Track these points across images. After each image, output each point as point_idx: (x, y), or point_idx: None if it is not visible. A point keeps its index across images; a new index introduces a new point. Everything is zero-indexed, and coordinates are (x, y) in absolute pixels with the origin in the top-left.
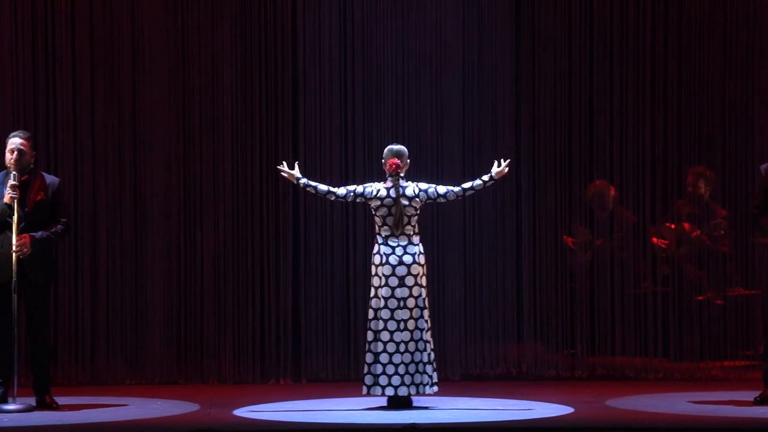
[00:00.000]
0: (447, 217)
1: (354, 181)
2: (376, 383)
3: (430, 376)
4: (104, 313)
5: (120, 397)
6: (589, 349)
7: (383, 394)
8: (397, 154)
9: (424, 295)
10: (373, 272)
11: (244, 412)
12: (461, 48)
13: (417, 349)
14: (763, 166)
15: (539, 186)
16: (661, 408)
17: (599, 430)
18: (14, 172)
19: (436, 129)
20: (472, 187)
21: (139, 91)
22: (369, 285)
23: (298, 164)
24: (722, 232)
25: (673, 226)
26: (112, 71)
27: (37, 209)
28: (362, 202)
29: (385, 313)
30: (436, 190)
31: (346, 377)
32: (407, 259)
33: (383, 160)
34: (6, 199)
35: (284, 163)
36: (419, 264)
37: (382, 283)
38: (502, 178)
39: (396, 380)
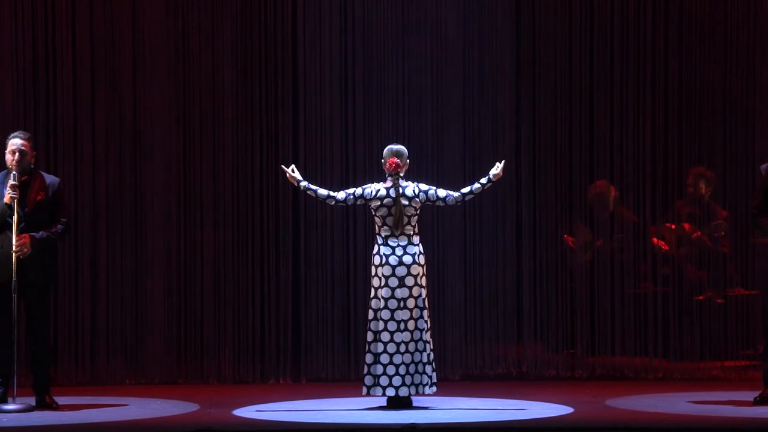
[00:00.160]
0: (447, 217)
1: (354, 180)
2: (376, 384)
3: (430, 377)
4: (104, 313)
5: (120, 397)
6: (589, 349)
7: (384, 395)
8: (397, 154)
9: (423, 295)
10: (373, 273)
11: (244, 412)
12: (461, 46)
13: (417, 350)
14: (764, 166)
15: (539, 186)
16: (661, 408)
17: (599, 430)
18: (14, 172)
19: (437, 128)
20: (471, 192)
21: (139, 91)
22: (369, 285)
23: (295, 167)
24: (723, 233)
25: (673, 227)
26: (113, 72)
27: (37, 209)
28: (362, 204)
29: (385, 314)
30: (436, 193)
31: (346, 377)
32: (407, 259)
33: (383, 160)
34: (6, 199)
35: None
36: (419, 264)
37: (382, 284)
38: (500, 179)
39: (396, 381)
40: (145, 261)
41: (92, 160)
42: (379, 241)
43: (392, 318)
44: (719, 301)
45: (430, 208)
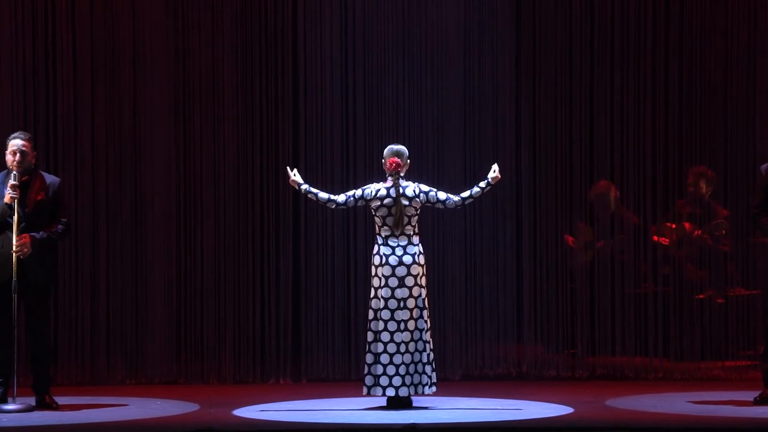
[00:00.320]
0: (447, 217)
1: (354, 180)
2: (376, 384)
3: (430, 377)
4: (104, 313)
5: (120, 397)
6: (589, 349)
7: (384, 395)
8: (397, 154)
9: (423, 295)
10: (373, 273)
11: (244, 412)
12: (462, 47)
13: (417, 350)
14: (764, 166)
15: (539, 186)
16: (661, 408)
17: (599, 430)
18: (15, 172)
19: (437, 128)
20: (471, 196)
21: (139, 91)
22: (369, 285)
23: (296, 170)
24: (723, 231)
25: (674, 226)
26: (113, 72)
27: (37, 209)
28: (363, 205)
29: (385, 314)
30: (436, 195)
31: (346, 377)
32: (407, 259)
33: (383, 160)
34: (6, 199)
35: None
36: (419, 264)
37: (382, 284)
38: (500, 181)
39: (396, 381)
40: (145, 261)
41: (92, 160)
42: (379, 241)
43: (392, 318)
44: (720, 301)
45: (430, 208)
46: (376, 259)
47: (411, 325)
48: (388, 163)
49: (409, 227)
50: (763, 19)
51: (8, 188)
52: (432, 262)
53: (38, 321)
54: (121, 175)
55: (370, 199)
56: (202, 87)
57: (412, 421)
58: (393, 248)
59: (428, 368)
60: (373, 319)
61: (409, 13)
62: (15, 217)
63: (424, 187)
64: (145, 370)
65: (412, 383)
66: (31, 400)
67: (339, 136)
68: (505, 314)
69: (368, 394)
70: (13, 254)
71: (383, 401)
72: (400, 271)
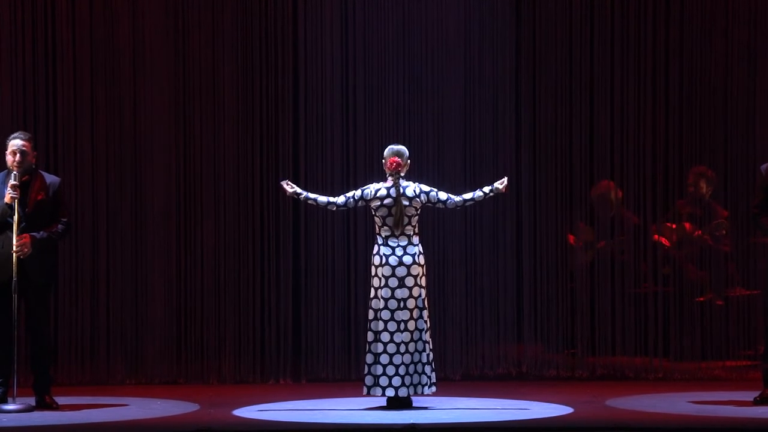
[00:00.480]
0: (447, 217)
1: (355, 180)
2: (376, 384)
3: (429, 377)
4: (104, 313)
5: (120, 397)
6: (589, 349)
7: (383, 395)
8: (398, 153)
9: (423, 295)
10: (373, 273)
11: (244, 412)
12: (462, 47)
13: (416, 350)
14: (764, 166)
15: (539, 186)
16: (661, 408)
17: (599, 430)
18: (15, 172)
19: (437, 128)
20: (472, 198)
21: (139, 91)
22: (369, 285)
23: (288, 181)
24: (724, 232)
25: (674, 226)
26: (113, 72)
27: (37, 209)
28: (363, 206)
29: (385, 314)
30: (437, 195)
31: (347, 377)
32: (407, 259)
33: (384, 160)
34: (6, 199)
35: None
36: (419, 264)
37: (382, 284)
38: (501, 194)
39: (396, 381)
40: (145, 261)
41: (92, 160)
42: (379, 241)
43: (392, 318)
44: (719, 303)
45: (431, 208)
46: (376, 260)
47: (411, 325)
48: (388, 163)
49: (409, 227)
50: (763, 19)
51: (8, 188)
52: (432, 263)
53: (38, 321)
54: (121, 175)
55: (370, 199)
56: (202, 87)
57: (411, 421)
58: (393, 248)
59: (428, 368)
60: (373, 319)
61: (409, 13)
62: (15, 217)
63: (425, 187)
64: (145, 370)
65: (411, 383)
66: (31, 400)
67: (339, 136)
68: (505, 314)
69: (368, 394)
70: (14, 254)
71: (383, 401)
72: (400, 271)
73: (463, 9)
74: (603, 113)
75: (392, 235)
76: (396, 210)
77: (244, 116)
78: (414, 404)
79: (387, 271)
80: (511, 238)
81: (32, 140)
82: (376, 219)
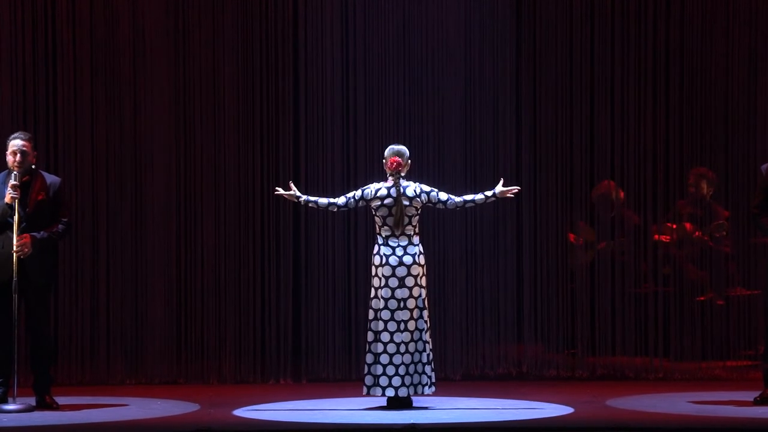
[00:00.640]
0: (448, 217)
1: (355, 180)
2: (376, 384)
3: (429, 377)
4: (104, 313)
5: (120, 397)
6: (589, 349)
7: (383, 395)
8: (398, 153)
9: (424, 295)
10: (373, 273)
11: (244, 412)
12: (462, 48)
13: (417, 350)
14: (764, 166)
15: (540, 186)
16: (661, 408)
17: (599, 430)
18: (15, 173)
19: (437, 128)
20: (473, 200)
21: (139, 91)
22: (369, 285)
23: (292, 183)
24: (724, 233)
25: (674, 226)
26: (113, 72)
27: (38, 209)
28: (364, 206)
29: (385, 314)
30: (437, 195)
31: (347, 377)
32: (407, 259)
33: (384, 160)
34: (7, 199)
35: (280, 189)
36: (419, 264)
37: (383, 284)
38: (505, 199)
39: (396, 381)
40: (145, 261)
41: (92, 160)
42: (380, 241)
43: (392, 318)
44: (720, 302)
45: (431, 208)
46: (377, 260)
47: (411, 325)
48: (389, 163)
49: (409, 227)
50: (763, 19)
51: (9, 188)
52: (432, 263)
53: (38, 321)
54: (121, 175)
55: (371, 199)
56: (202, 87)
57: (412, 421)
58: (393, 248)
59: (428, 368)
60: (373, 319)
61: (409, 15)
62: (15, 217)
63: (425, 187)
64: (145, 370)
65: (411, 383)
66: (32, 400)
67: (339, 136)
68: (505, 314)
69: (368, 394)
70: (14, 254)
71: (383, 401)
72: (401, 271)
73: (464, 10)
74: (603, 113)
75: (392, 235)
76: (396, 210)
77: (244, 117)
78: (414, 404)
79: (387, 271)
80: (512, 238)
81: (32, 140)
82: (377, 219)
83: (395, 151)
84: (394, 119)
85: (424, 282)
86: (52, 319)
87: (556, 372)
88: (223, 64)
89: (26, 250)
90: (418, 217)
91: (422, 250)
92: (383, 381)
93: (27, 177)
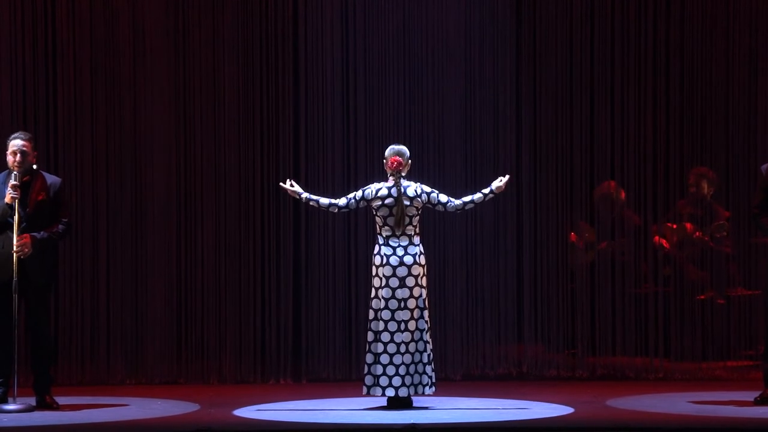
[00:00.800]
0: (448, 217)
1: (356, 180)
2: (376, 384)
3: (430, 377)
4: (104, 313)
5: (120, 397)
6: (589, 349)
7: (383, 395)
8: (399, 153)
9: (424, 295)
10: (374, 273)
11: (244, 412)
12: (462, 48)
13: (417, 350)
14: (764, 166)
15: (540, 186)
16: (662, 408)
17: (599, 430)
18: (15, 173)
19: (437, 128)
20: (472, 201)
21: (139, 91)
22: (370, 285)
23: (294, 182)
24: (725, 233)
25: (675, 226)
26: (113, 72)
27: (38, 209)
28: (365, 206)
29: (385, 314)
30: (437, 197)
31: (347, 377)
32: (408, 259)
33: (385, 159)
34: (7, 200)
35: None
36: (420, 264)
37: (383, 284)
38: (502, 192)
39: (396, 381)
40: (145, 261)
41: (92, 160)
42: (380, 241)
43: (393, 318)
44: (720, 302)
45: (431, 209)
46: (377, 260)
47: (411, 325)
48: (389, 162)
49: (410, 227)
50: (764, 19)
51: (9, 188)
52: (433, 263)
53: (38, 321)
54: (121, 175)
55: (371, 199)
56: (202, 87)
57: (412, 421)
58: (394, 248)
59: (428, 368)
60: (373, 319)
61: (409, 14)
62: (16, 217)
63: (426, 188)
64: (145, 370)
65: (412, 383)
66: (32, 400)
67: (339, 136)
68: (505, 314)
69: (368, 394)
70: (14, 254)
71: (383, 401)
72: (401, 271)
73: (464, 10)
74: (603, 113)
75: (393, 235)
76: (397, 209)
77: (244, 116)
78: (414, 404)
79: (388, 271)
80: (512, 238)
81: (33, 140)
82: (377, 219)
83: (396, 150)
84: (394, 119)
85: (424, 282)
86: (52, 319)
87: (557, 372)
88: (223, 64)
89: (26, 250)
90: (418, 217)
91: (423, 250)
92: (383, 381)
93: (27, 177)
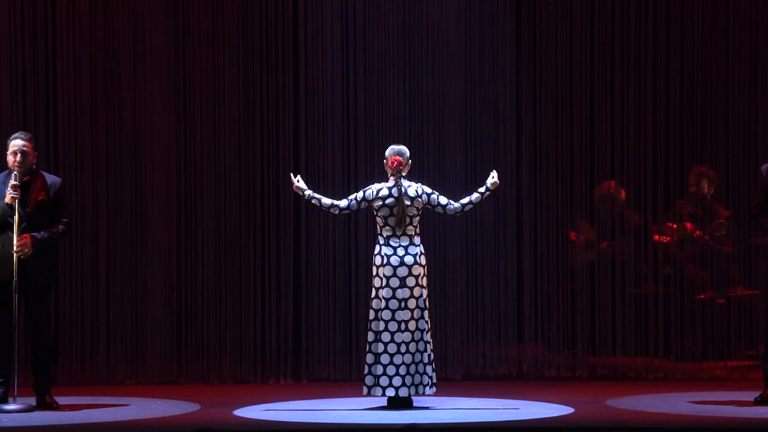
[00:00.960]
0: (448, 218)
1: (356, 180)
2: (376, 384)
3: (430, 377)
4: (104, 313)
5: (120, 397)
6: (589, 349)
7: (384, 395)
8: (399, 153)
9: (425, 295)
10: (374, 273)
11: (244, 412)
12: (462, 48)
13: (417, 350)
14: (764, 166)
15: (540, 186)
16: (662, 408)
17: (599, 430)
18: (15, 173)
19: (437, 128)
20: (470, 202)
21: (139, 91)
22: (370, 285)
23: (299, 177)
24: (725, 232)
25: (675, 226)
26: (113, 72)
27: (38, 209)
28: (366, 207)
29: (386, 314)
30: (437, 198)
31: (348, 377)
32: (408, 259)
33: (385, 159)
34: (7, 200)
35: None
36: (420, 264)
37: (383, 284)
38: (499, 186)
39: (397, 381)
40: (145, 261)
41: (92, 160)
42: (381, 241)
43: (393, 318)
44: (720, 301)
45: (430, 210)
46: (378, 260)
47: (412, 325)
48: (390, 162)
49: (410, 227)
50: (764, 19)
51: (9, 188)
52: (433, 263)
53: (38, 321)
54: (121, 175)
55: (372, 199)
56: (202, 86)
57: (412, 421)
58: (394, 248)
59: (429, 368)
60: (373, 319)
61: (409, 14)
62: (16, 217)
63: (427, 189)
64: (145, 370)
65: (412, 383)
66: (32, 400)
67: (339, 136)
68: (505, 314)
69: (368, 394)
70: (14, 254)
71: (384, 401)
72: (402, 271)
73: (464, 10)
74: (603, 113)
75: (394, 235)
76: (398, 209)
77: (244, 116)
78: (415, 404)
79: (388, 271)
80: (512, 238)
81: (33, 140)
82: (378, 219)
83: (396, 150)
84: (394, 119)
85: (425, 282)
86: (52, 319)
87: (557, 372)
88: (223, 64)
89: (26, 250)
90: (419, 217)
91: (423, 251)
92: (384, 381)
93: (27, 177)
